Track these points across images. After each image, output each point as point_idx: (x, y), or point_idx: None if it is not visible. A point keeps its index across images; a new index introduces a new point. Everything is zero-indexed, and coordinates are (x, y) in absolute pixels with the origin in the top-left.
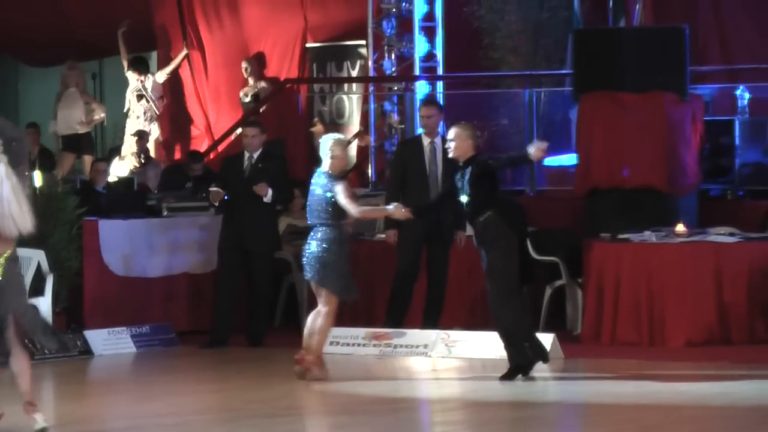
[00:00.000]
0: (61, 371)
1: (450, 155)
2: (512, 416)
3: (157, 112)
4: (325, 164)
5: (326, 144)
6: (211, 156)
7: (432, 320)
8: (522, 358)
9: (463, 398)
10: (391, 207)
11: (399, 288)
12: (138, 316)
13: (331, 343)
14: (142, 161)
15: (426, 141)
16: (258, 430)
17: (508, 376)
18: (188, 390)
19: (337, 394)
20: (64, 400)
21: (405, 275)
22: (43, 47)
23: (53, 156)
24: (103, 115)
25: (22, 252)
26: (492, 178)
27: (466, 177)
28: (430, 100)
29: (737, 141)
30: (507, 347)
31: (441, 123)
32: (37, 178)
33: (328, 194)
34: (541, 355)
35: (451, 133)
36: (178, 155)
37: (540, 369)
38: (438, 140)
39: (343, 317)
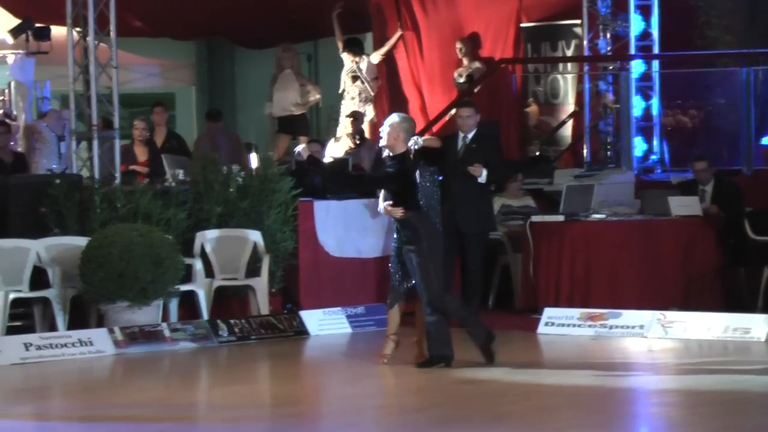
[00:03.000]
0: (278, 351)
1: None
2: (727, 398)
3: (372, 93)
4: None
5: None
6: (426, 136)
7: None
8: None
9: (677, 380)
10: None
11: None
12: (352, 297)
13: (546, 324)
14: (357, 142)
15: None
16: (467, 411)
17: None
18: (401, 371)
19: (552, 376)
20: (280, 380)
21: None
22: (259, 30)
23: (183, 141)
24: (318, 96)
25: (238, 233)
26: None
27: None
28: None
29: None
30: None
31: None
32: (254, 159)
33: None
34: None
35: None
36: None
37: (759, 352)
38: None
39: (559, 298)
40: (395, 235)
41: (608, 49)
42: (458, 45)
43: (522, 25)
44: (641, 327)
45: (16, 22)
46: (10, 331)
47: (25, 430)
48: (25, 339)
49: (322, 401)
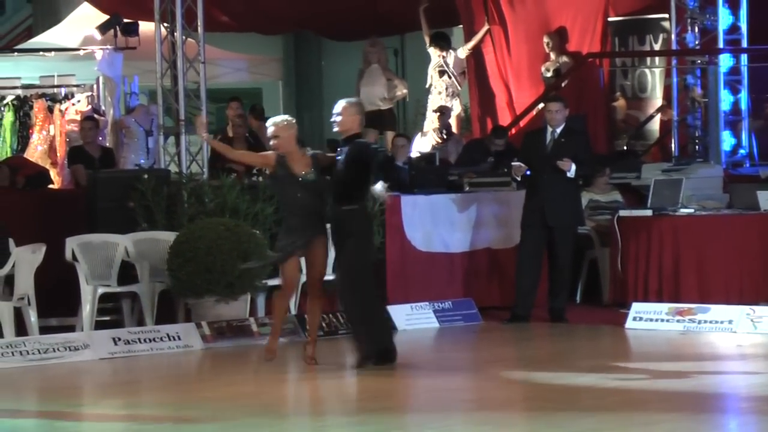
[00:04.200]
0: None
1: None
2: None
3: (459, 88)
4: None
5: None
6: (513, 131)
7: None
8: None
9: (767, 375)
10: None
11: None
12: (440, 292)
13: (634, 319)
14: (444, 137)
15: None
16: (556, 405)
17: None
18: (489, 366)
19: (640, 370)
20: (367, 374)
21: None
22: (347, 23)
23: (260, 139)
24: (405, 91)
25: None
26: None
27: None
28: None
29: None
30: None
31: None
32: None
33: None
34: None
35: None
36: (478, 131)
37: None
38: None
39: (648, 292)
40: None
41: (696, 42)
42: (545, 39)
43: (609, 19)
44: (730, 322)
45: (104, 17)
46: (99, 325)
47: (115, 424)
48: (113, 333)
49: (411, 395)
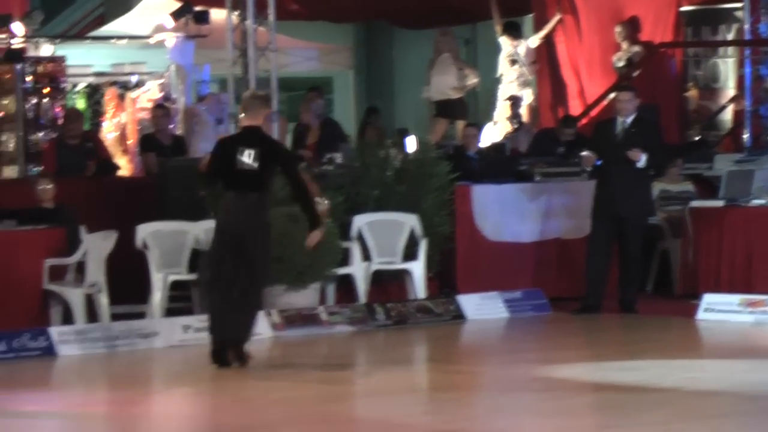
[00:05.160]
0: (434, 335)
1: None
2: None
3: (530, 77)
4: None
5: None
6: (584, 121)
7: None
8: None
9: None
10: None
11: None
12: (510, 281)
13: (705, 310)
14: (515, 126)
15: None
16: (625, 396)
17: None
18: (559, 357)
19: (711, 362)
20: (435, 364)
21: None
22: (418, 12)
23: (338, 127)
24: (476, 80)
25: (395, 216)
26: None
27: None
28: None
29: None
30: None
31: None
32: (412, 143)
33: None
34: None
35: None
36: (550, 121)
37: None
38: None
39: (719, 283)
40: None
41: None
42: (617, 29)
43: (682, 8)
44: None
45: (176, 5)
46: (169, 313)
47: (185, 411)
48: (183, 321)
49: (480, 385)
